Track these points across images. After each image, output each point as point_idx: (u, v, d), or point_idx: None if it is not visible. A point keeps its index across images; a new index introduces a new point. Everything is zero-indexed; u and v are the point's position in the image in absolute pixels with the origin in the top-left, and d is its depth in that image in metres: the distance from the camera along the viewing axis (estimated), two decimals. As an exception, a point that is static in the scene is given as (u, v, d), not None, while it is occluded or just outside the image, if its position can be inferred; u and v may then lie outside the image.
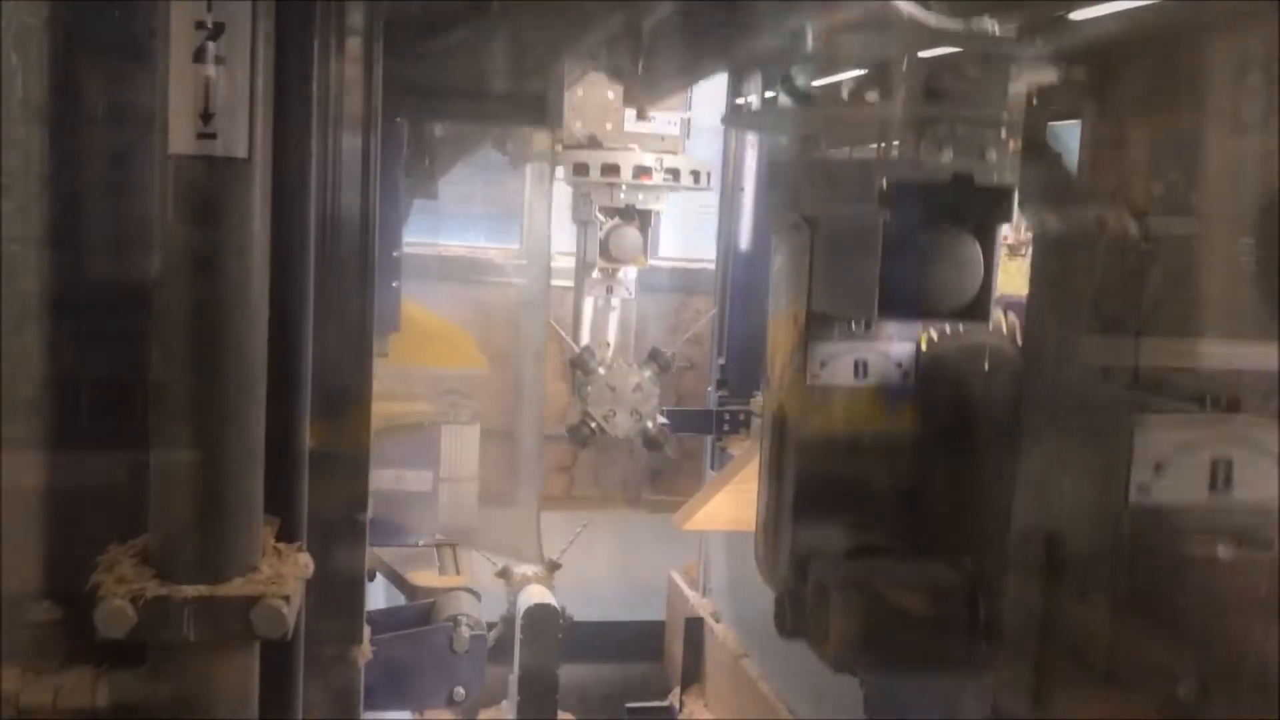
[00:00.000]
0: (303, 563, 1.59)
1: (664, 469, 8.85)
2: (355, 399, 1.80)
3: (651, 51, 2.95)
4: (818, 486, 2.49)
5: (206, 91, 1.42)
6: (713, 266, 7.89)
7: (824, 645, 2.26)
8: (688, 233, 9.02)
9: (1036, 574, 1.58)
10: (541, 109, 2.44)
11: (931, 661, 2.26)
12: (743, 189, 7.02)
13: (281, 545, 1.61)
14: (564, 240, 6.86)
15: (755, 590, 2.85)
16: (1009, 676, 1.66)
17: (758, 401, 6.63)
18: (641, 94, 4.15)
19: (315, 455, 1.71)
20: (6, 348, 1.65)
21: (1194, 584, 1.47)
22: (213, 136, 1.43)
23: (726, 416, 6.81)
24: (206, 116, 1.42)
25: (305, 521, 1.68)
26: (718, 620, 6.86)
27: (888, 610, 2.21)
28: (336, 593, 1.84)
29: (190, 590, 1.46)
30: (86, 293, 1.66)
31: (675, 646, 7.21)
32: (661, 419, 6.41)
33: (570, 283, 6.79)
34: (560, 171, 5.88)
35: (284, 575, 1.53)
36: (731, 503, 5.29)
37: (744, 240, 7.23)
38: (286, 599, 1.48)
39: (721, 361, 7.06)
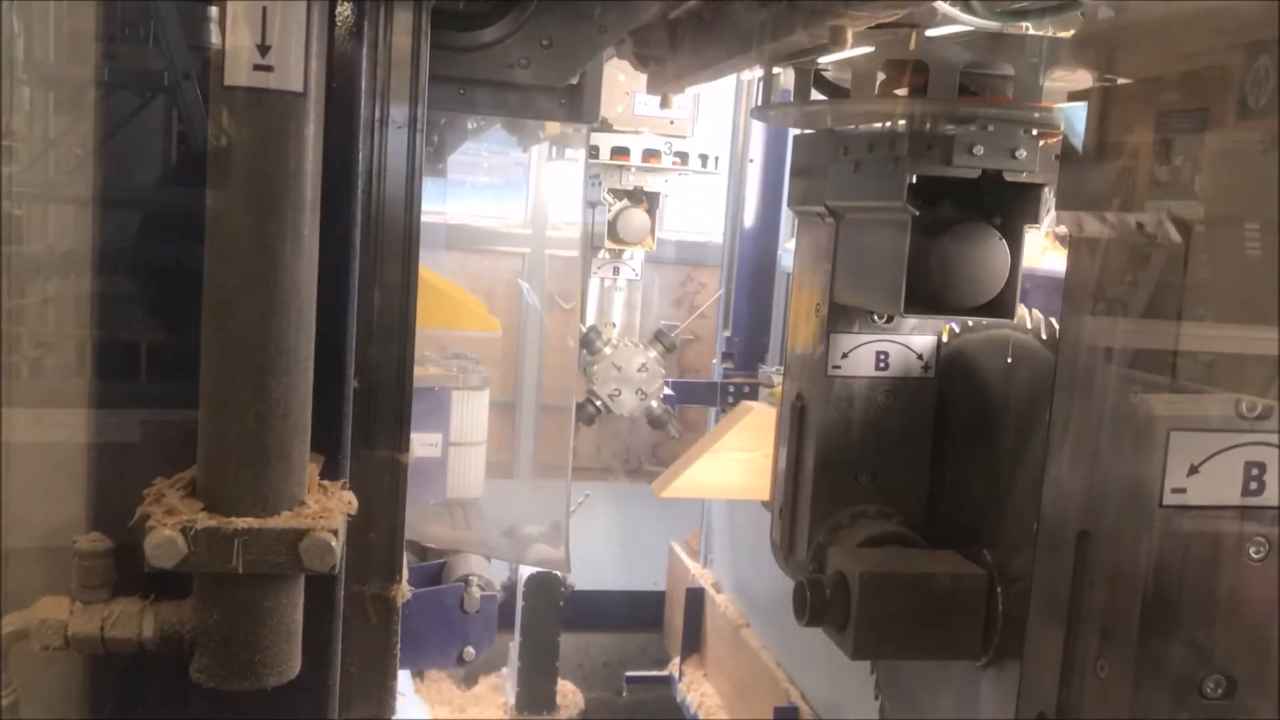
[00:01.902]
0: (347, 499, 1.61)
1: (665, 440, 8.87)
2: (399, 340, 1.81)
3: (681, 43, 2.93)
4: (837, 475, 2.51)
5: (264, 23, 1.42)
6: (717, 240, 7.90)
7: (842, 633, 2.28)
8: (692, 206, 9.01)
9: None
10: (577, 103, 2.41)
11: (949, 651, 2.29)
12: (751, 160, 7.02)
13: (326, 482, 1.62)
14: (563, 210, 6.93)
15: (756, 561, 2.87)
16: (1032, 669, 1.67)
17: (763, 374, 6.66)
18: (666, 83, 4.14)
19: (357, 395, 1.72)
20: (56, 294, 1.67)
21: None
22: (269, 69, 1.43)
23: (731, 389, 6.84)
24: (263, 49, 1.42)
25: (349, 460, 1.70)
26: (719, 590, 6.90)
27: (906, 599, 2.23)
28: (375, 532, 1.85)
29: (240, 522, 1.47)
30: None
31: (676, 616, 7.26)
32: (667, 390, 6.44)
33: (570, 252, 6.81)
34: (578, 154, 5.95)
35: (330, 510, 1.54)
36: (711, 470, 5.30)
37: (751, 214, 7.25)
38: (334, 533, 1.50)
39: (727, 334, 7.08)
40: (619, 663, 7.45)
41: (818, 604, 2.27)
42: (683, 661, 7.03)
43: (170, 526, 1.46)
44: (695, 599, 7.00)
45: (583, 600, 6.72)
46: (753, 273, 7.20)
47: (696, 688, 6.82)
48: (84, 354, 1.75)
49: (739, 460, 5.25)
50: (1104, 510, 1.52)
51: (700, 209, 8.72)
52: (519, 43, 2.22)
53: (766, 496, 5.07)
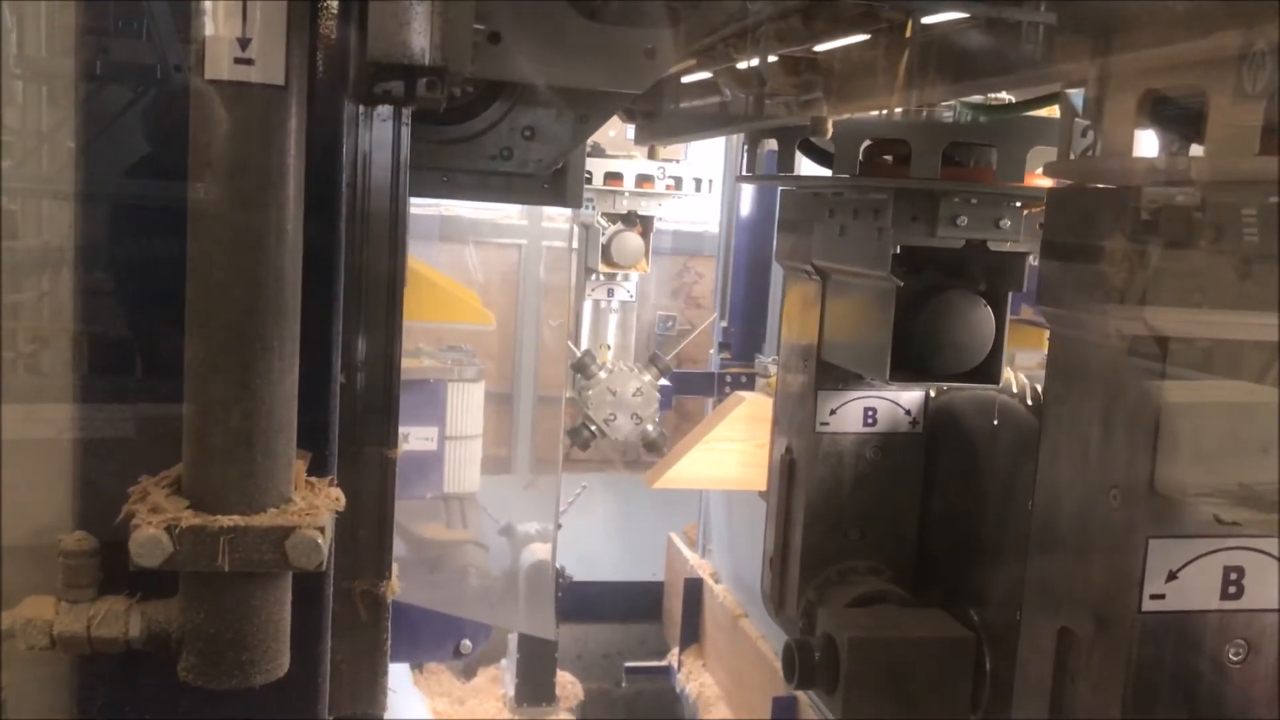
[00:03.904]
0: (334, 496, 1.59)
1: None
2: (386, 335, 1.80)
3: (668, 103, 2.95)
4: (826, 530, 2.51)
5: (244, 16, 1.40)
6: (714, 230, 7.89)
7: (832, 696, 2.29)
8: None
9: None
10: (560, 188, 2.42)
11: (938, 714, 2.30)
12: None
13: (313, 479, 1.60)
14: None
15: (754, 551, 2.88)
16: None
17: (760, 364, 6.65)
18: (654, 137, 4.14)
19: (345, 391, 1.71)
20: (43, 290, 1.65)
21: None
22: (250, 62, 1.41)
23: (728, 379, 6.83)
24: (244, 42, 1.41)
25: (336, 456, 1.68)
26: (717, 581, 6.90)
27: (895, 664, 2.24)
28: (364, 528, 1.84)
29: (226, 520, 1.46)
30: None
31: (674, 607, 7.26)
32: (665, 381, 6.44)
33: (561, 242, 6.80)
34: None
35: (317, 507, 1.53)
36: (702, 461, 5.31)
37: (747, 204, 7.23)
38: (321, 530, 1.48)
39: (724, 324, 7.07)
40: (618, 654, 7.45)
41: (806, 667, 2.28)
42: (681, 652, 7.04)
43: (155, 525, 1.45)
44: (693, 590, 7.00)
45: (581, 591, 6.72)
46: (750, 262, 7.18)
47: (695, 678, 6.82)
48: (70, 350, 1.73)
49: (731, 451, 5.26)
50: (1084, 611, 1.54)
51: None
52: (501, 134, 2.26)
53: (759, 487, 5.06)
